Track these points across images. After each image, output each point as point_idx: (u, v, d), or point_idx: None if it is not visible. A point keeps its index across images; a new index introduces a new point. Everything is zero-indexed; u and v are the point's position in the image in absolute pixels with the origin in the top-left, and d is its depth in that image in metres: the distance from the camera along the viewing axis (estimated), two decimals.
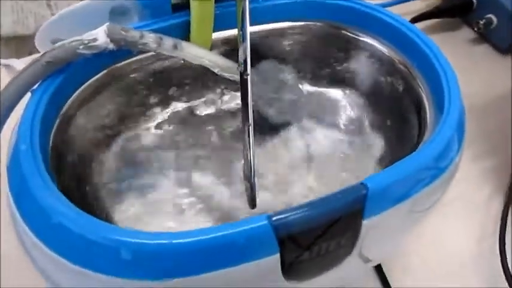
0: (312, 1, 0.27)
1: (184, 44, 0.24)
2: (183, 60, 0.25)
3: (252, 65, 0.24)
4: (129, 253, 0.17)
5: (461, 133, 0.22)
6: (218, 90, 0.29)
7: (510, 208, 0.32)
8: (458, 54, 0.31)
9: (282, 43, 0.29)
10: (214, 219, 0.25)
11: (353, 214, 0.19)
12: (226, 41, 0.27)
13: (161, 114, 0.28)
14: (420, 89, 0.25)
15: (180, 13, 0.25)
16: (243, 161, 0.23)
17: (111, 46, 0.22)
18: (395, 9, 0.43)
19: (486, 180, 0.34)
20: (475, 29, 0.44)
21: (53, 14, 0.36)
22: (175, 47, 0.24)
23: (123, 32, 0.22)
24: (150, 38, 0.23)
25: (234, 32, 0.27)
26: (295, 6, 0.27)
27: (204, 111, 0.29)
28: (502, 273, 0.28)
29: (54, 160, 0.21)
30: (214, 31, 0.25)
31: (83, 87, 0.24)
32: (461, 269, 0.30)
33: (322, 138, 0.29)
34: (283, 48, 0.29)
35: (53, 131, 0.22)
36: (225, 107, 0.29)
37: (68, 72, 0.22)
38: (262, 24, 0.28)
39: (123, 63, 0.25)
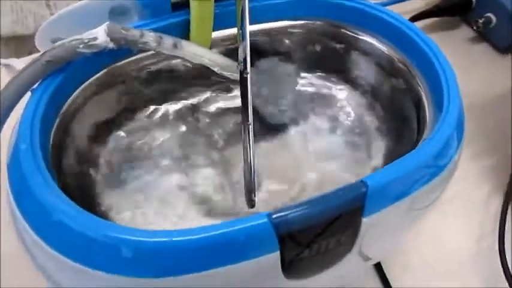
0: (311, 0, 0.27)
1: (184, 42, 0.24)
2: (183, 59, 0.25)
3: (251, 64, 0.24)
4: (129, 251, 0.17)
5: (460, 131, 0.22)
6: (218, 89, 0.29)
7: (509, 207, 0.32)
8: (457, 53, 0.31)
9: (282, 42, 0.29)
10: (214, 217, 0.25)
11: (353, 212, 0.19)
12: (226, 39, 0.27)
13: (161, 113, 0.28)
14: (419, 88, 0.25)
15: (180, 12, 0.25)
16: (243, 160, 0.23)
17: (111, 45, 0.22)
18: (395, 8, 0.43)
19: (485, 179, 0.34)
20: (474, 28, 0.44)
21: (52, 14, 0.36)
22: (175, 46, 0.24)
23: (123, 31, 0.22)
24: (150, 37, 0.23)
25: (233, 30, 0.27)
26: (295, 5, 0.27)
27: (203, 110, 0.29)
28: (501, 271, 0.28)
29: (54, 158, 0.21)
30: (214, 30, 0.25)
31: (83, 86, 0.24)
32: (460, 267, 0.30)
33: (322, 137, 0.29)
34: (282, 47, 0.29)
35: (53, 129, 0.22)
36: (225, 105, 0.29)
37: (68, 71, 0.22)
38: (262, 23, 0.28)
39: (123, 62, 0.25)
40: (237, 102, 0.29)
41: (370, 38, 0.27)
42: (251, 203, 0.22)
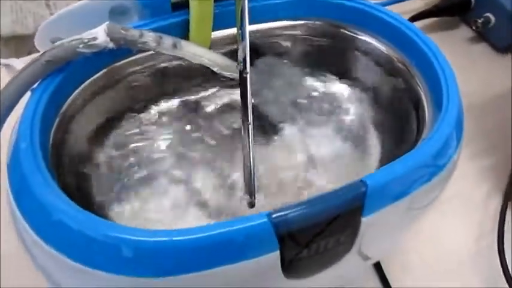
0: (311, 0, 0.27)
1: (183, 42, 0.24)
2: (183, 59, 0.25)
3: (251, 64, 0.24)
4: (129, 250, 0.17)
5: (459, 131, 0.22)
6: (218, 88, 0.29)
7: (509, 206, 0.32)
8: (457, 53, 0.31)
9: (281, 42, 0.29)
10: (214, 217, 0.25)
11: (352, 211, 0.19)
12: (226, 39, 0.27)
13: (161, 112, 0.28)
14: (419, 87, 0.25)
15: (180, 12, 0.25)
16: (242, 160, 0.23)
17: (111, 45, 0.22)
18: (395, 8, 0.43)
19: (484, 178, 0.35)
20: (473, 27, 0.44)
21: (51, 14, 0.36)
22: (174, 46, 0.24)
23: (122, 31, 0.22)
24: (149, 37, 0.23)
25: (233, 30, 0.27)
26: (294, 5, 0.27)
27: (203, 109, 0.29)
28: (501, 271, 0.28)
29: (54, 158, 0.21)
30: (213, 30, 0.25)
31: (82, 86, 0.24)
32: (460, 267, 0.30)
33: (322, 136, 0.29)
34: (282, 47, 0.29)
35: (53, 129, 0.22)
36: (226, 104, 0.29)
37: (68, 71, 0.22)
38: (261, 23, 0.28)
39: (122, 62, 0.25)
40: (237, 102, 0.29)
41: (369, 38, 0.27)
42: (251, 203, 0.22)
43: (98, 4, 0.24)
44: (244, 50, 0.24)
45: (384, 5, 0.43)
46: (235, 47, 0.26)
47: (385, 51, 0.27)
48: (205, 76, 0.28)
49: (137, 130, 0.28)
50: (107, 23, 0.22)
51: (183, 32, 0.25)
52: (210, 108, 0.29)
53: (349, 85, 0.30)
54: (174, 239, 0.17)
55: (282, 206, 0.18)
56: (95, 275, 0.17)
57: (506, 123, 0.37)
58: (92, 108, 0.25)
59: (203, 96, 0.29)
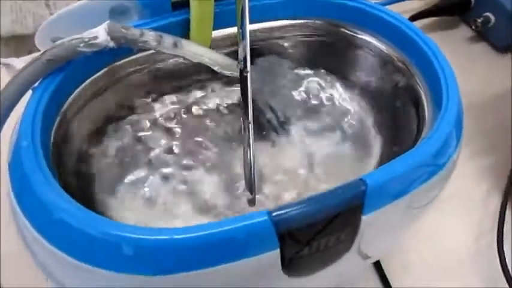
0: None
1: (184, 42, 0.24)
2: (183, 58, 0.25)
3: (251, 63, 0.24)
4: (130, 248, 0.17)
5: (459, 130, 0.22)
6: (218, 88, 0.29)
7: (508, 205, 0.32)
8: (456, 53, 0.31)
9: (281, 41, 0.29)
10: (214, 215, 0.25)
11: (352, 210, 0.19)
12: (226, 38, 0.27)
13: (161, 112, 0.28)
14: (418, 86, 0.25)
15: (180, 11, 0.25)
16: (243, 159, 0.23)
17: (111, 44, 0.22)
18: (394, 8, 0.43)
19: (484, 177, 0.35)
20: (473, 27, 0.44)
21: (51, 14, 0.36)
22: (175, 45, 0.24)
23: (123, 30, 0.22)
24: (150, 36, 0.23)
25: (233, 30, 0.27)
26: (295, 4, 0.27)
27: (204, 108, 0.29)
28: (500, 270, 0.28)
29: (55, 156, 0.21)
30: (214, 29, 0.25)
31: (83, 85, 0.24)
32: (459, 265, 0.30)
33: (321, 136, 0.29)
34: (282, 46, 0.29)
35: (54, 127, 0.22)
36: (226, 104, 0.29)
37: (69, 70, 0.22)
38: (262, 22, 0.28)
39: (123, 61, 0.25)
40: (237, 101, 0.29)
41: (369, 37, 0.27)
42: (252, 200, 0.22)
43: (98, 4, 0.24)
44: (245, 49, 0.24)
45: (384, 4, 0.43)
46: (235, 46, 0.26)
47: (385, 51, 0.27)
48: (206, 75, 0.28)
49: (138, 129, 0.28)
50: (108, 22, 0.22)
51: (183, 31, 0.25)
52: (210, 107, 0.29)
53: (348, 84, 0.30)
54: (174, 237, 0.17)
55: (282, 205, 0.18)
56: (96, 273, 0.17)
57: (505, 123, 0.37)
58: (92, 107, 0.25)
59: (204, 96, 0.29)
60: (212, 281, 0.18)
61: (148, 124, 0.28)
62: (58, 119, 0.22)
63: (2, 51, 0.49)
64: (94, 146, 0.26)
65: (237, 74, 0.25)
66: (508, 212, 0.31)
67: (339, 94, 0.30)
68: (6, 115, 0.20)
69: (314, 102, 0.30)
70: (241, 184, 0.26)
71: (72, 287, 0.20)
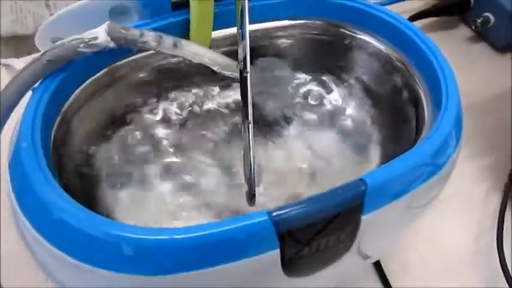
0: None
1: (184, 42, 0.24)
2: (183, 58, 0.25)
3: (251, 63, 0.24)
4: (130, 248, 0.17)
5: (458, 129, 0.22)
6: (218, 88, 0.29)
7: (508, 205, 0.32)
8: (456, 53, 0.31)
9: (281, 41, 0.29)
10: (214, 215, 0.25)
11: (352, 210, 0.19)
12: (226, 39, 0.27)
13: (161, 111, 0.28)
14: (418, 86, 0.25)
15: (180, 12, 0.25)
16: (243, 158, 0.23)
17: (111, 44, 0.22)
18: (394, 8, 0.43)
19: (483, 177, 0.35)
20: (473, 27, 0.44)
21: (51, 14, 0.36)
22: (175, 45, 0.24)
23: (123, 31, 0.22)
24: (150, 37, 0.23)
25: (233, 30, 0.27)
26: (294, 5, 0.27)
27: (204, 108, 0.29)
28: (500, 269, 0.28)
29: (55, 156, 0.21)
30: (213, 29, 0.25)
31: (83, 85, 0.24)
32: (459, 265, 0.30)
33: (321, 136, 0.29)
34: (282, 46, 0.29)
35: (54, 128, 0.22)
36: (225, 104, 0.30)
37: (69, 70, 0.22)
38: (261, 22, 0.28)
39: (123, 61, 0.25)
40: (237, 100, 0.29)
41: (369, 37, 0.27)
42: (251, 201, 0.22)
43: (98, 4, 0.24)
44: (245, 49, 0.24)
45: (384, 4, 0.43)
46: (235, 46, 0.26)
47: (384, 51, 0.27)
48: (206, 75, 0.28)
49: (138, 129, 0.28)
50: (108, 22, 0.22)
51: (183, 31, 0.25)
52: (211, 107, 0.29)
53: (348, 84, 0.30)
54: (174, 237, 0.17)
55: (282, 205, 0.18)
56: (96, 273, 0.17)
57: (505, 123, 0.37)
58: (92, 108, 0.25)
59: (204, 95, 0.29)
60: (212, 281, 0.18)
61: (148, 124, 0.28)
62: (58, 119, 0.22)
63: (2, 51, 0.49)
64: (94, 146, 0.26)
65: (236, 74, 0.25)
66: (507, 212, 0.31)
67: (338, 94, 0.30)
68: (7, 116, 0.20)
69: (313, 102, 0.30)
70: (242, 183, 0.26)
71: (72, 287, 0.20)
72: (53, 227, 0.18)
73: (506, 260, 0.28)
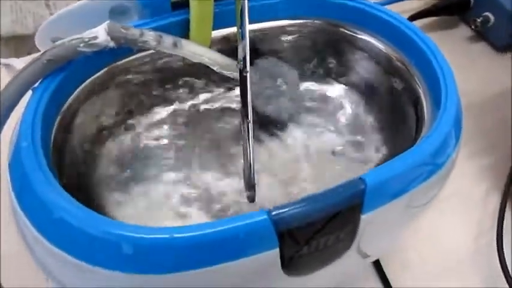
0: None
1: (184, 42, 0.24)
2: (183, 58, 0.25)
3: (251, 63, 0.24)
4: (130, 247, 0.17)
5: (458, 129, 0.22)
6: (218, 87, 0.29)
7: (507, 204, 0.32)
8: (456, 52, 0.32)
9: (281, 41, 0.29)
10: (215, 214, 0.26)
11: (352, 209, 0.19)
12: (226, 38, 0.27)
13: (161, 111, 0.28)
14: (418, 86, 0.25)
15: (180, 11, 0.25)
16: (242, 158, 0.23)
17: (111, 44, 0.22)
18: (394, 8, 0.43)
19: (483, 177, 0.35)
20: (472, 27, 0.44)
21: (51, 14, 0.36)
22: (175, 45, 0.24)
23: (123, 30, 0.22)
24: (150, 36, 0.23)
25: (233, 30, 0.27)
26: (294, 5, 0.27)
27: (204, 107, 0.29)
28: (500, 269, 0.28)
29: (55, 156, 0.21)
30: (213, 29, 0.25)
31: (83, 85, 0.24)
32: (459, 265, 0.30)
33: (321, 136, 0.29)
34: (281, 46, 0.29)
35: (54, 127, 0.22)
36: (225, 103, 0.30)
37: (69, 70, 0.22)
38: (261, 22, 0.28)
39: (123, 61, 0.25)
40: (237, 100, 0.29)
41: (368, 37, 0.27)
42: (251, 200, 0.22)
43: (98, 4, 0.24)
44: (244, 49, 0.24)
45: (383, 4, 0.43)
46: (235, 46, 0.26)
47: (384, 50, 0.27)
48: (206, 75, 0.28)
49: (138, 129, 0.28)
50: (108, 22, 0.22)
51: (183, 31, 0.25)
52: (211, 106, 0.29)
53: (348, 84, 0.30)
54: (174, 236, 0.17)
55: (281, 204, 0.18)
56: (95, 272, 0.17)
57: (505, 122, 0.37)
58: (93, 107, 0.25)
59: (204, 95, 0.29)
60: (212, 280, 0.18)
61: (149, 123, 0.28)
62: (58, 118, 0.22)
63: (2, 51, 0.49)
64: (94, 145, 0.26)
65: (236, 74, 0.25)
66: (507, 212, 0.31)
67: (338, 94, 0.30)
68: (7, 115, 0.21)
69: (313, 101, 0.30)
70: (242, 183, 0.26)
71: (72, 287, 0.20)
72: (53, 226, 0.18)
73: (506, 260, 0.29)
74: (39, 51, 0.23)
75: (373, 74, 0.28)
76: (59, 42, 0.22)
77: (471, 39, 0.45)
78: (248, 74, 0.24)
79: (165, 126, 0.28)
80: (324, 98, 0.30)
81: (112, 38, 0.22)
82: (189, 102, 0.29)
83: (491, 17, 0.42)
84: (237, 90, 0.28)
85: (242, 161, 0.24)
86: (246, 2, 0.24)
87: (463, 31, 0.45)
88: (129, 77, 0.26)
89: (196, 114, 0.29)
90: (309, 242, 0.19)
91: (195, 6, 0.24)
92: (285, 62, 0.30)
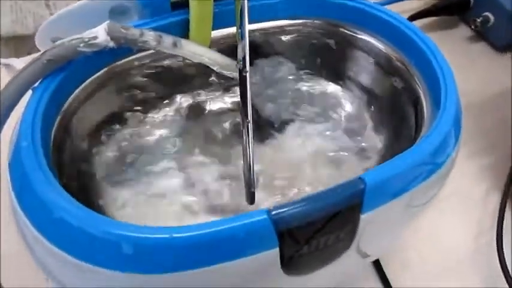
0: None
1: (183, 42, 0.24)
2: (183, 58, 0.25)
3: (250, 63, 0.24)
4: (130, 247, 0.17)
5: (458, 129, 0.22)
6: (218, 87, 0.29)
7: (507, 204, 0.32)
8: (456, 52, 0.31)
9: (281, 41, 0.29)
10: (214, 214, 0.26)
11: (351, 208, 0.19)
12: (226, 38, 0.27)
13: (161, 111, 0.28)
14: (417, 86, 0.25)
15: (180, 11, 0.25)
16: (242, 157, 0.23)
17: (111, 44, 0.22)
18: (394, 8, 0.43)
19: (483, 177, 0.35)
20: (472, 27, 0.44)
21: (51, 14, 0.36)
22: (174, 45, 0.24)
23: (123, 30, 0.23)
24: (150, 36, 0.23)
25: (233, 30, 0.27)
26: (294, 4, 0.27)
27: (204, 107, 0.29)
28: (499, 269, 0.28)
29: (55, 156, 0.21)
30: (213, 29, 0.25)
31: (83, 84, 0.24)
32: (459, 264, 0.30)
33: (320, 136, 0.29)
34: (281, 46, 0.29)
35: (54, 127, 0.22)
36: (225, 103, 0.30)
37: (69, 70, 0.23)
38: (261, 22, 0.28)
39: (123, 61, 0.25)
40: (237, 100, 0.29)
41: (368, 37, 0.27)
42: (251, 200, 0.22)
43: (98, 4, 0.24)
44: (244, 49, 0.24)
45: (383, 4, 0.43)
46: (235, 46, 0.26)
47: (384, 50, 0.27)
48: (206, 75, 0.28)
49: (138, 129, 0.28)
50: (108, 22, 0.22)
51: (183, 31, 0.25)
52: (211, 106, 0.29)
53: (348, 84, 0.30)
54: (174, 235, 0.17)
55: (281, 203, 0.18)
56: (95, 272, 0.17)
57: (505, 122, 0.37)
58: (92, 107, 0.25)
59: (204, 95, 0.29)
60: (212, 279, 0.18)
61: (149, 123, 0.28)
62: (58, 118, 0.22)
63: (2, 51, 0.49)
64: (94, 145, 0.26)
65: (236, 74, 0.25)
66: (507, 211, 0.31)
67: (337, 94, 0.30)
68: (7, 115, 0.21)
69: (313, 101, 0.30)
70: (241, 182, 0.26)
71: (72, 287, 0.20)
72: (53, 226, 0.18)
73: (506, 260, 0.29)
74: (39, 51, 0.23)
75: (373, 74, 0.28)
76: (59, 42, 0.22)
77: (471, 39, 0.45)
78: (248, 74, 0.24)
79: (165, 126, 0.28)
80: (323, 98, 0.30)
81: (112, 38, 0.22)
82: (189, 102, 0.29)
83: (491, 17, 0.42)
84: (237, 90, 0.28)
85: (242, 161, 0.24)
86: (246, 2, 0.24)
87: (463, 31, 0.45)
88: (129, 77, 0.26)
89: (196, 114, 0.29)
90: (308, 242, 0.19)
91: (194, 6, 0.24)
92: (285, 61, 0.30)
